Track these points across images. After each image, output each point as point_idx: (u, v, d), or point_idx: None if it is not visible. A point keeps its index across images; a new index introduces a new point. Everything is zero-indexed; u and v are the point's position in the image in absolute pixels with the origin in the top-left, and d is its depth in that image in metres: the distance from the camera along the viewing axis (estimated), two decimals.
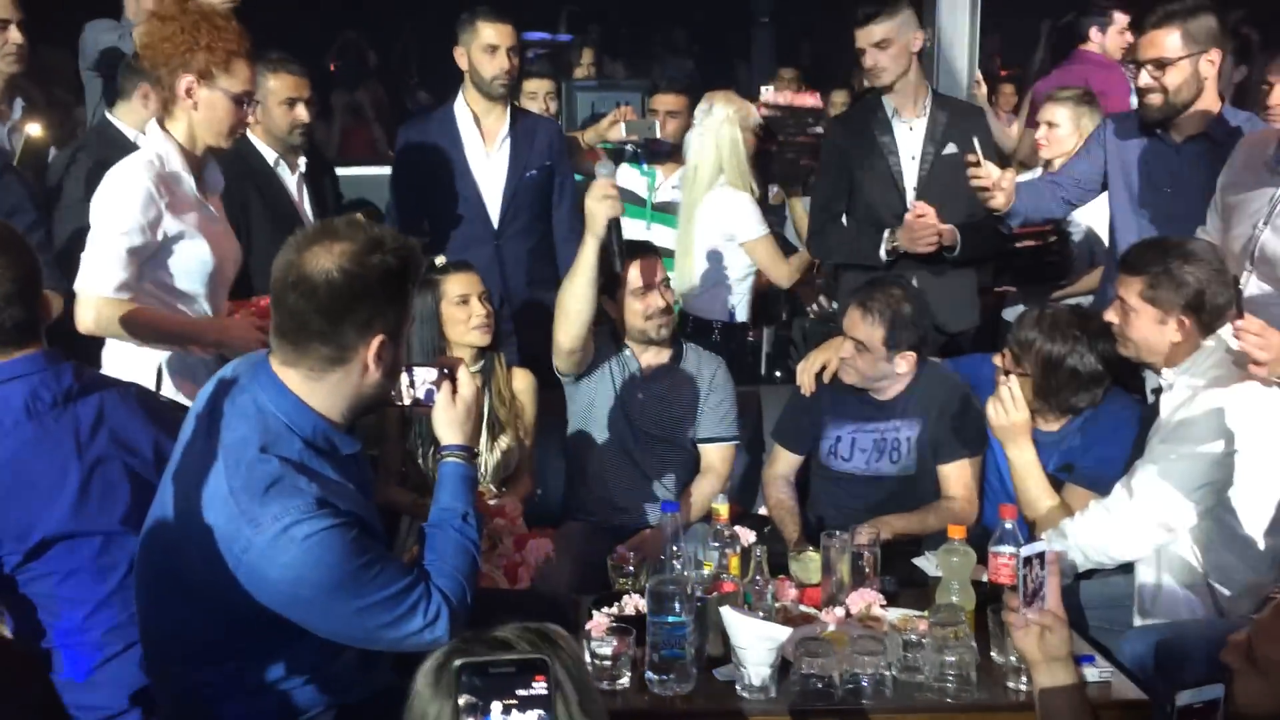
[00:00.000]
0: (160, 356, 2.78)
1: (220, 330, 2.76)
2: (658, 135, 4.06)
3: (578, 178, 4.01)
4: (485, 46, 3.66)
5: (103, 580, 2.09)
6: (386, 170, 5.15)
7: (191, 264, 2.77)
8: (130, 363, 2.75)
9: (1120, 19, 5.15)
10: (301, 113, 3.55)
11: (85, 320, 2.63)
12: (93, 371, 2.32)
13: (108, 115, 3.67)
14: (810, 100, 4.32)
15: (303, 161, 3.65)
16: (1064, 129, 4.18)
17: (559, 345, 3.09)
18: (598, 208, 2.91)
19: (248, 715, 1.95)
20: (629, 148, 4.31)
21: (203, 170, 2.84)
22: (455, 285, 3.05)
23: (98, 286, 2.61)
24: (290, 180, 3.62)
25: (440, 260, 3.16)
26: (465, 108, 3.79)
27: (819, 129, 4.20)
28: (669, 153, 4.13)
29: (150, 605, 1.95)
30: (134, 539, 2.05)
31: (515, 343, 3.64)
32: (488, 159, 3.78)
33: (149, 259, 2.69)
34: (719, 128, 3.88)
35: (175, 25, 2.73)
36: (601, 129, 4.27)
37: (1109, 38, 5.18)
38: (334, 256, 1.82)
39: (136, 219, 2.63)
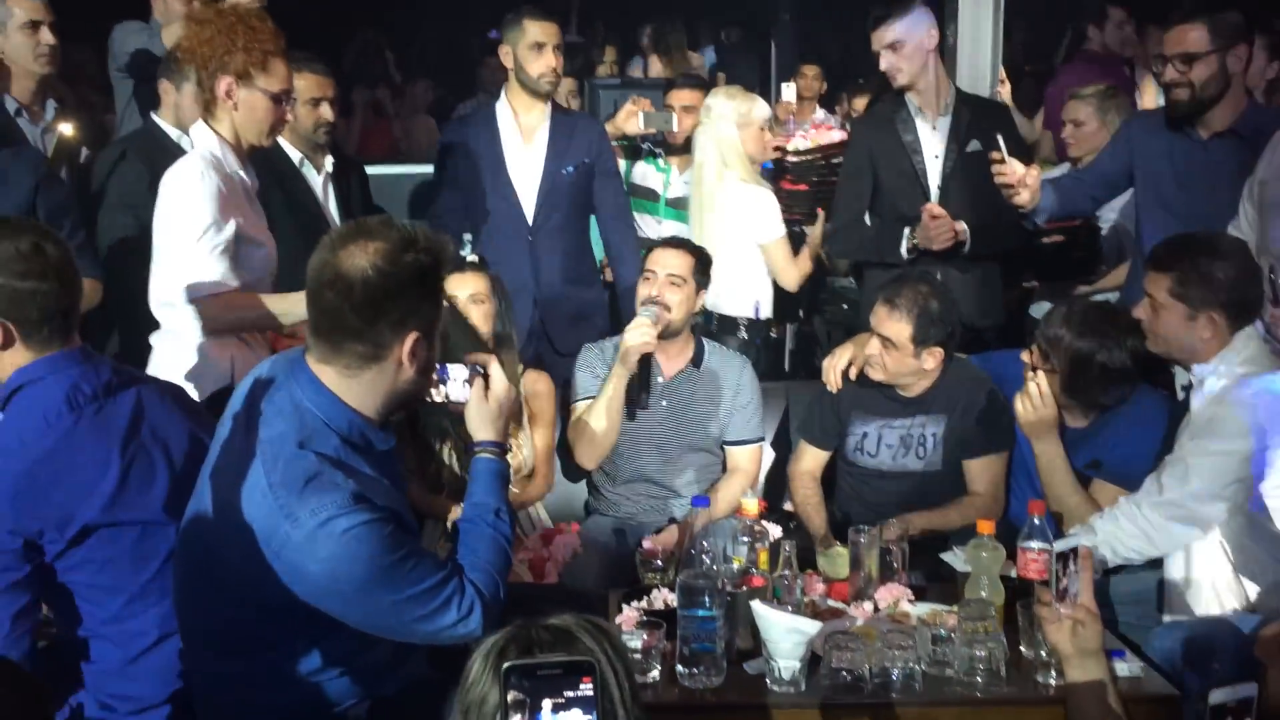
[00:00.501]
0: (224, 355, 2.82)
1: (295, 301, 2.78)
2: (675, 129, 4.08)
3: None
4: (532, 44, 3.68)
5: (141, 569, 2.12)
6: (405, 169, 5.22)
7: (256, 260, 2.82)
8: (202, 359, 2.79)
9: (1116, 13, 5.14)
10: (326, 112, 3.57)
11: (207, 323, 2.71)
12: (129, 368, 2.36)
13: (153, 117, 3.72)
14: (836, 136, 4.25)
15: (329, 161, 3.68)
16: (1090, 126, 4.16)
17: (579, 461, 3.17)
18: (633, 343, 2.98)
19: (282, 706, 1.98)
20: (645, 144, 4.34)
21: (247, 169, 2.88)
22: (462, 286, 3.04)
23: (202, 290, 2.68)
24: (316, 180, 3.65)
25: (472, 257, 3.17)
26: (506, 106, 3.82)
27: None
28: (686, 146, 4.14)
29: (187, 597, 1.98)
30: (171, 529, 2.09)
31: (544, 338, 3.64)
32: (525, 155, 3.79)
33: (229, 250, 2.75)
34: (717, 126, 3.88)
35: (212, 28, 2.77)
36: (619, 122, 4.25)
37: (1107, 33, 5.17)
38: (369, 255, 1.84)
39: (212, 215, 2.68)
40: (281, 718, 1.99)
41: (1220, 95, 3.13)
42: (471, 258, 3.19)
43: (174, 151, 3.40)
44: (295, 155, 3.60)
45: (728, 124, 3.88)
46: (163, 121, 3.67)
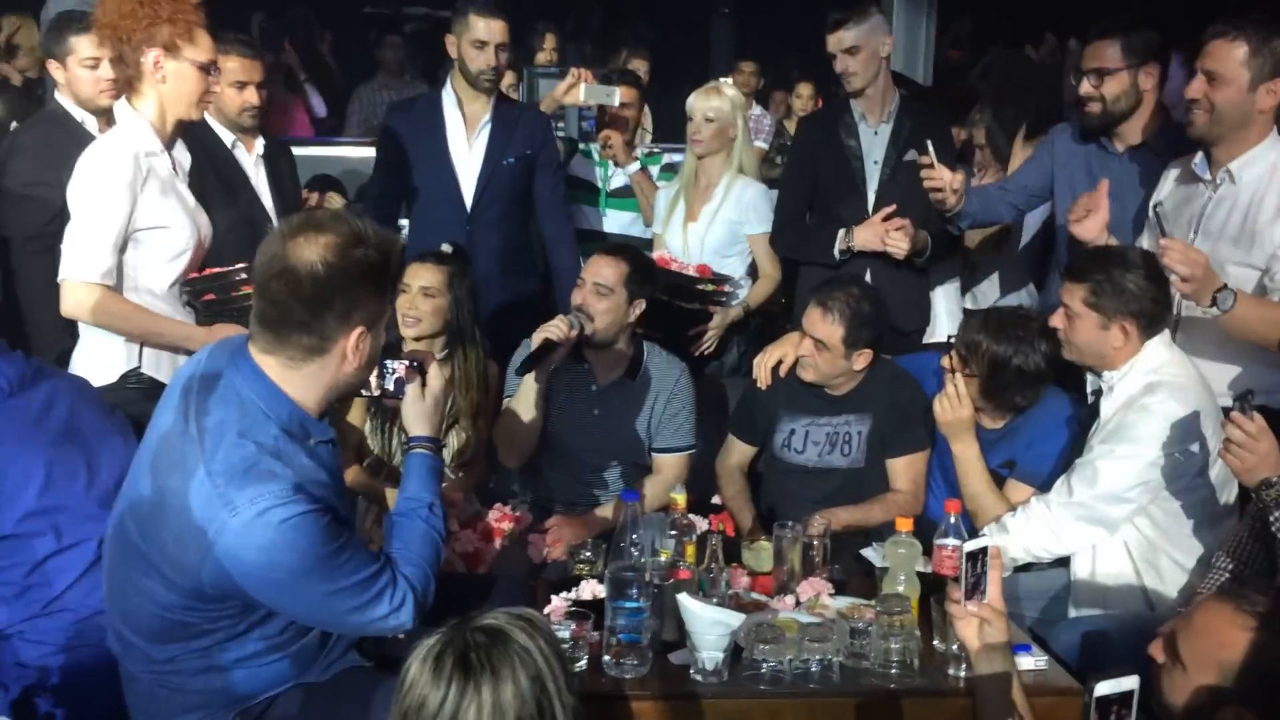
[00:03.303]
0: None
1: (207, 335, 2.78)
2: (616, 103, 4.04)
3: None
4: (475, 41, 3.67)
5: (73, 558, 2.12)
6: (321, 150, 5.14)
7: (174, 245, 2.80)
8: (108, 339, 2.78)
9: (1050, 39, 5.32)
10: (251, 95, 3.52)
11: (71, 307, 2.67)
12: (39, 360, 2.35)
13: (57, 97, 3.63)
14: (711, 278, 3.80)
15: (260, 143, 3.66)
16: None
17: (502, 460, 3.20)
18: (536, 337, 2.99)
19: (213, 691, 2.00)
20: (584, 124, 4.33)
21: (172, 148, 2.85)
22: (417, 277, 3.05)
23: (84, 273, 2.64)
24: (248, 162, 3.62)
25: (445, 247, 3.17)
26: (451, 93, 3.81)
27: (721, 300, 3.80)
28: (626, 134, 4.13)
29: (121, 583, 1.98)
30: (98, 517, 2.09)
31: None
32: (467, 144, 3.79)
33: (132, 240, 2.72)
34: (733, 118, 3.81)
35: (132, 1, 2.73)
36: (558, 94, 4.19)
37: (1041, 54, 5.36)
38: (318, 248, 1.86)
39: (120, 204, 2.65)
40: (212, 703, 2.01)
41: (1131, 110, 3.25)
42: (446, 248, 3.19)
43: (75, 132, 3.34)
44: (228, 138, 3.57)
45: (740, 116, 3.86)
46: (66, 101, 3.54)
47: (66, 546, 2.13)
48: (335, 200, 4.65)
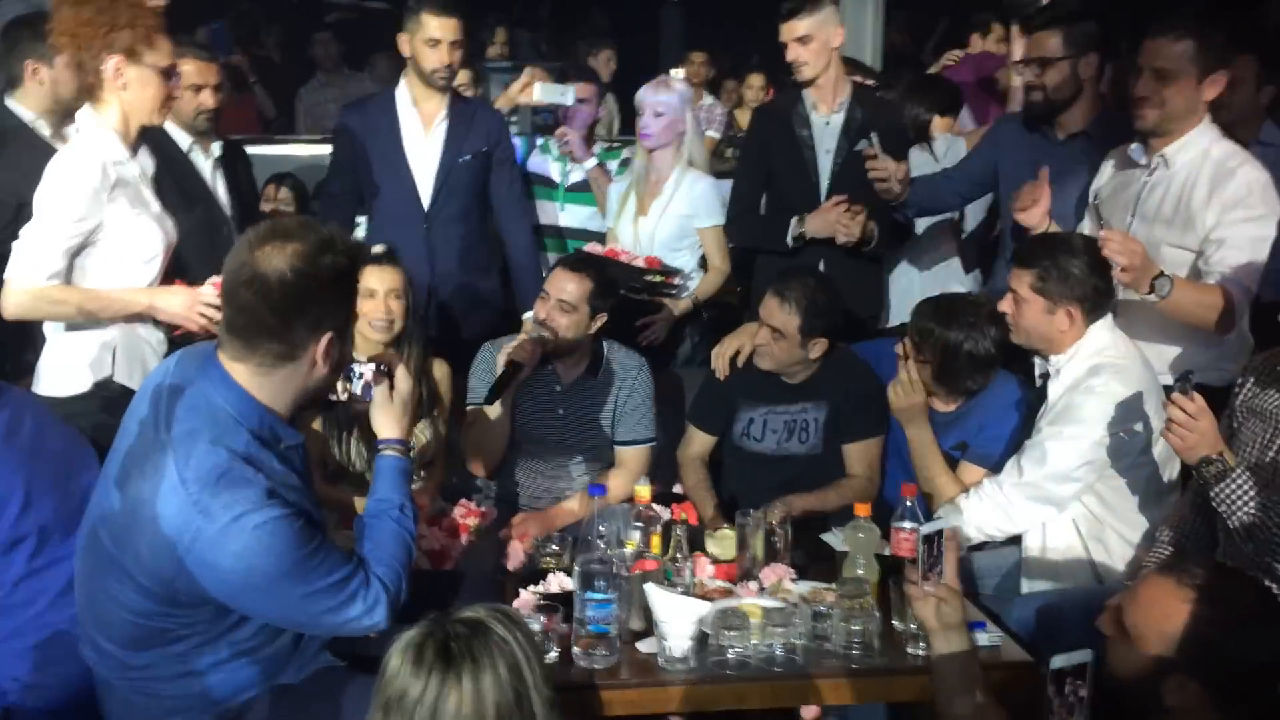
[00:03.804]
0: (110, 340, 2.82)
1: (150, 296, 2.80)
2: (571, 101, 4.06)
3: None
4: (428, 39, 3.66)
5: (52, 576, 2.13)
6: (273, 149, 5.12)
7: (144, 252, 2.81)
8: (78, 348, 2.79)
9: (996, 29, 5.43)
10: (207, 99, 3.52)
11: (10, 307, 2.65)
12: None
13: (7, 101, 3.59)
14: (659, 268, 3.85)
15: (217, 147, 3.65)
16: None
17: (470, 468, 3.22)
18: (501, 357, 3.01)
19: (188, 696, 2.02)
20: (537, 119, 4.35)
21: (136, 154, 2.86)
22: (366, 278, 3.00)
23: (30, 276, 2.64)
24: (205, 166, 3.62)
25: (378, 249, 3.18)
26: (405, 92, 3.81)
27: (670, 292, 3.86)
28: (583, 130, 4.16)
29: (95, 592, 2.00)
30: (74, 533, 2.10)
31: (438, 325, 3.67)
32: (423, 142, 3.79)
33: (96, 248, 2.72)
34: (681, 112, 3.85)
35: (90, 8, 2.72)
36: (513, 93, 4.22)
37: (988, 44, 5.46)
38: (287, 256, 1.89)
39: (78, 211, 2.66)
40: (188, 708, 2.03)
41: (1072, 99, 3.34)
42: (378, 249, 3.20)
43: (29, 136, 3.32)
44: (184, 140, 3.56)
45: (689, 110, 3.88)
46: (17, 105, 3.47)
47: (46, 565, 2.13)
48: (285, 196, 4.63)
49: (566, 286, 3.12)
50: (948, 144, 4.26)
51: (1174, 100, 2.94)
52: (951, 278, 4.13)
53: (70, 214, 2.66)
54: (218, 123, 3.67)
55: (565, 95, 4.05)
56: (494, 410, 3.12)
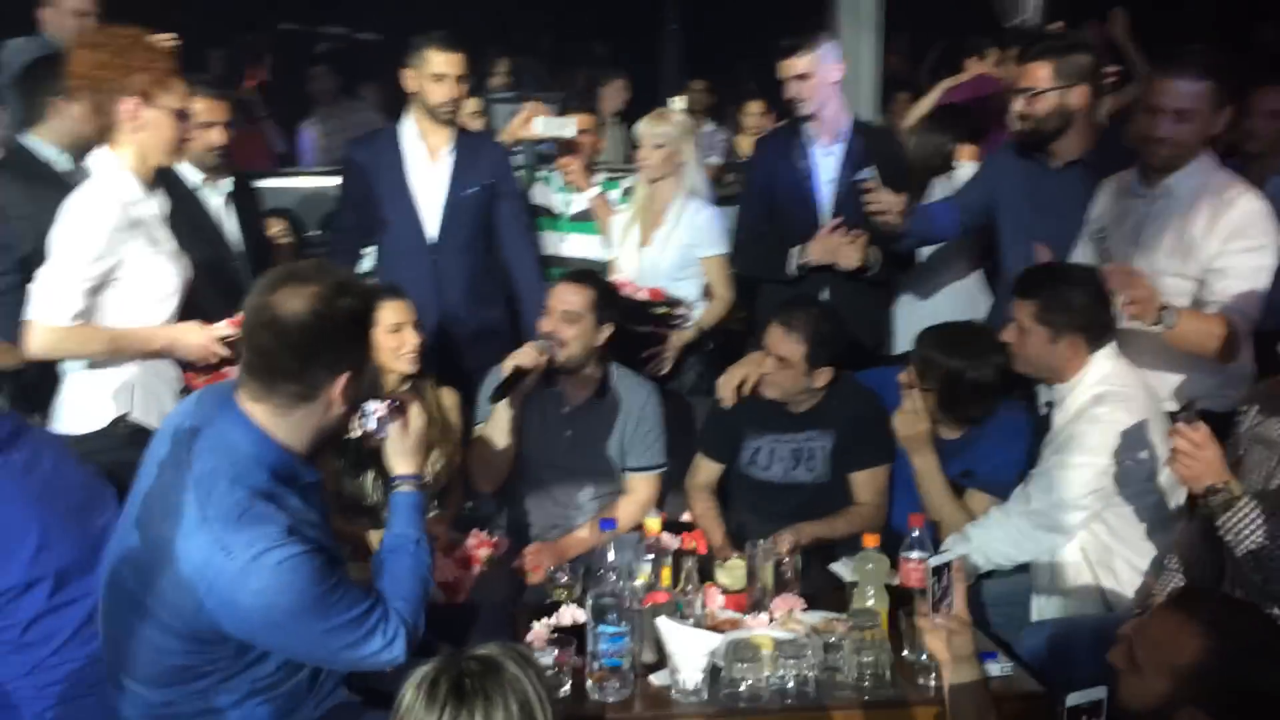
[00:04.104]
0: (130, 378, 2.85)
1: (170, 336, 2.84)
2: (573, 134, 4.07)
3: None
4: (433, 75, 3.70)
5: (69, 614, 2.15)
6: (282, 182, 5.15)
7: (162, 290, 2.85)
8: (97, 386, 2.82)
9: (993, 53, 5.48)
10: (217, 135, 3.54)
11: (35, 347, 2.70)
12: (15, 414, 2.39)
13: (21, 139, 3.62)
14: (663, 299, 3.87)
15: (227, 183, 3.68)
16: None
17: (475, 486, 3.26)
18: (507, 364, 3.06)
19: None
20: (538, 149, 4.38)
21: (153, 194, 2.90)
22: (389, 313, 3.05)
23: (54, 317, 2.68)
24: (214, 202, 3.65)
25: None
26: (412, 125, 3.84)
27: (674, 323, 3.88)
28: (588, 160, 4.17)
29: (118, 630, 2.01)
30: (91, 570, 2.12)
31: (446, 356, 3.68)
32: (429, 175, 3.82)
33: (114, 286, 2.76)
34: (680, 142, 3.86)
35: (106, 51, 2.78)
36: (514, 129, 4.22)
37: (984, 68, 5.51)
38: (305, 299, 1.92)
39: (97, 250, 2.70)
40: None
41: (1061, 129, 3.37)
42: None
43: (50, 173, 3.36)
44: (193, 177, 3.59)
45: (688, 140, 3.91)
46: (38, 141, 3.47)
47: (63, 604, 2.15)
48: (279, 228, 4.63)
49: (570, 298, 3.17)
50: (971, 172, 4.29)
51: (1190, 140, 2.98)
52: (959, 304, 4.15)
53: (89, 253, 2.70)
54: (228, 158, 3.70)
55: (566, 128, 4.08)
56: (500, 430, 3.14)
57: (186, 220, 3.47)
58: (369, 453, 2.98)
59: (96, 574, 2.12)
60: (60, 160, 3.44)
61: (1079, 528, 2.83)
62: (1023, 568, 2.93)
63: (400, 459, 2.19)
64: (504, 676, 1.58)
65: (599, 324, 3.20)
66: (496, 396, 3.09)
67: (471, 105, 4.66)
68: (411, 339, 3.09)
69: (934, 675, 2.37)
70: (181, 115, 2.84)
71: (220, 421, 1.98)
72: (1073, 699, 1.64)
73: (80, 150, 3.36)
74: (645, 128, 3.90)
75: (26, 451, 2.18)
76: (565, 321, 3.15)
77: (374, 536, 2.95)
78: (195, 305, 3.06)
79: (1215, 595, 1.96)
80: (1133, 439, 2.77)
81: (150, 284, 2.83)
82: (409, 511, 2.17)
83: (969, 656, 2.21)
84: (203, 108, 3.47)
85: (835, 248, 3.58)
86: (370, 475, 3.09)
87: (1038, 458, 2.93)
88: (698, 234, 3.88)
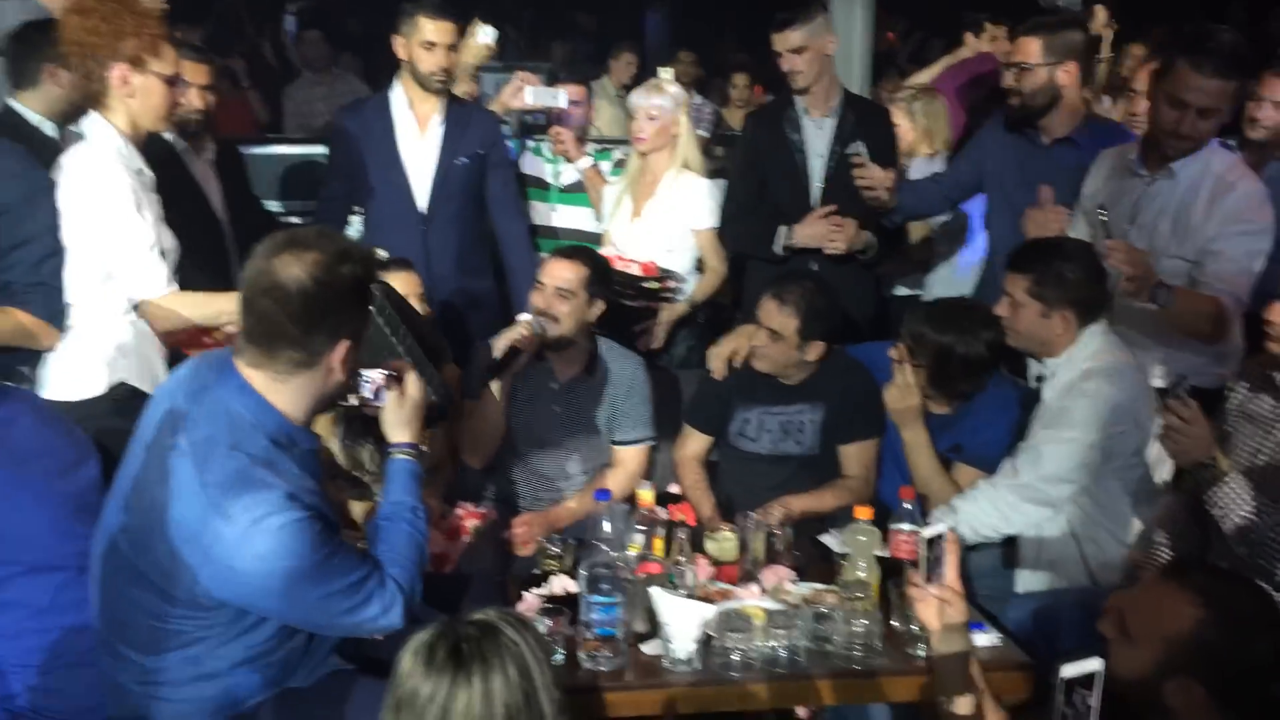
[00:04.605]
0: (125, 343, 2.85)
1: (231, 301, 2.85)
2: (564, 104, 4.05)
3: None
4: (424, 43, 3.67)
5: (47, 580, 2.14)
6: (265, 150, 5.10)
7: (167, 255, 2.83)
8: (89, 351, 2.81)
9: (991, 29, 5.49)
10: (195, 99, 3.51)
11: (162, 322, 2.82)
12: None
13: (10, 102, 3.57)
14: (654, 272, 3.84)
15: (211, 148, 3.64)
16: (903, 125, 4.37)
17: (465, 459, 3.25)
18: (501, 341, 3.06)
19: (203, 699, 2.04)
20: (527, 119, 4.35)
21: (144, 160, 2.87)
22: (397, 285, 3.03)
23: (159, 287, 2.77)
24: (197, 167, 3.61)
25: (382, 254, 3.20)
26: (401, 93, 3.81)
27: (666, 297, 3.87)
28: (578, 131, 4.15)
29: (114, 597, 2.01)
30: (71, 535, 2.11)
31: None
32: (419, 144, 3.80)
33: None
34: (675, 114, 3.84)
35: (96, 16, 2.74)
36: (505, 99, 4.21)
37: (982, 42, 5.52)
38: (306, 265, 1.91)
39: (141, 213, 2.73)
40: (198, 711, 2.04)
41: (1049, 105, 3.40)
42: (381, 254, 3.21)
43: (38, 138, 3.31)
44: (178, 143, 3.55)
45: (683, 112, 3.88)
46: (23, 107, 3.43)
47: (39, 568, 2.14)
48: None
49: (563, 274, 3.15)
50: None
51: (1209, 134, 3.01)
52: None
53: (136, 213, 2.73)
54: (211, 124, 3.66)
55: (557, 98, 4.05)
56: (491, 405, 3.14)
57: (172, 187, 3.45)
58: (366, 422, 2.98)
59: (76, 541, 2.12)
60: (44, 126, 3.39)
61: (1065, 501, 2.85)
62: (1008, 540, 2.96)
63: (397, 428, 2.18)
64: (501, 641, 1.59)
65: (591, 300, 3.19)
66: (490, 375, 3.08)
67: (469, 84, 4.59)
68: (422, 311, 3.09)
69: (923, 645, 2.39)
70: (172, 81, 2.81)
71: (218, 388, 1.97)
72: (1067, 671, 1.65)
73: (64, 118, 3.33)
74: (639, 99, 3.88)
75: (3, 412, 2.17)
76: (558, 298, 3.14)
77: (356, 507, 2.95)
78: (181, 272, 3.05)
79: (1207, 566, 1.99)
80: (1121, 414, 2.79)
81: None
82: (406, 479, 2.16)
83: (959, 626, 2.23)
84: (185, 70, 3.43)
85: (822, 235, 3.58)
86: (369, 448, 3.08)
87: (1026, 432, 2.95)
88: (691, 207, 3.87)
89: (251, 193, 4.08)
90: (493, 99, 4.40)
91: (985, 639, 2.46)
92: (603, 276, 3.25)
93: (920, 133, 4.47)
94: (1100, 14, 5.37)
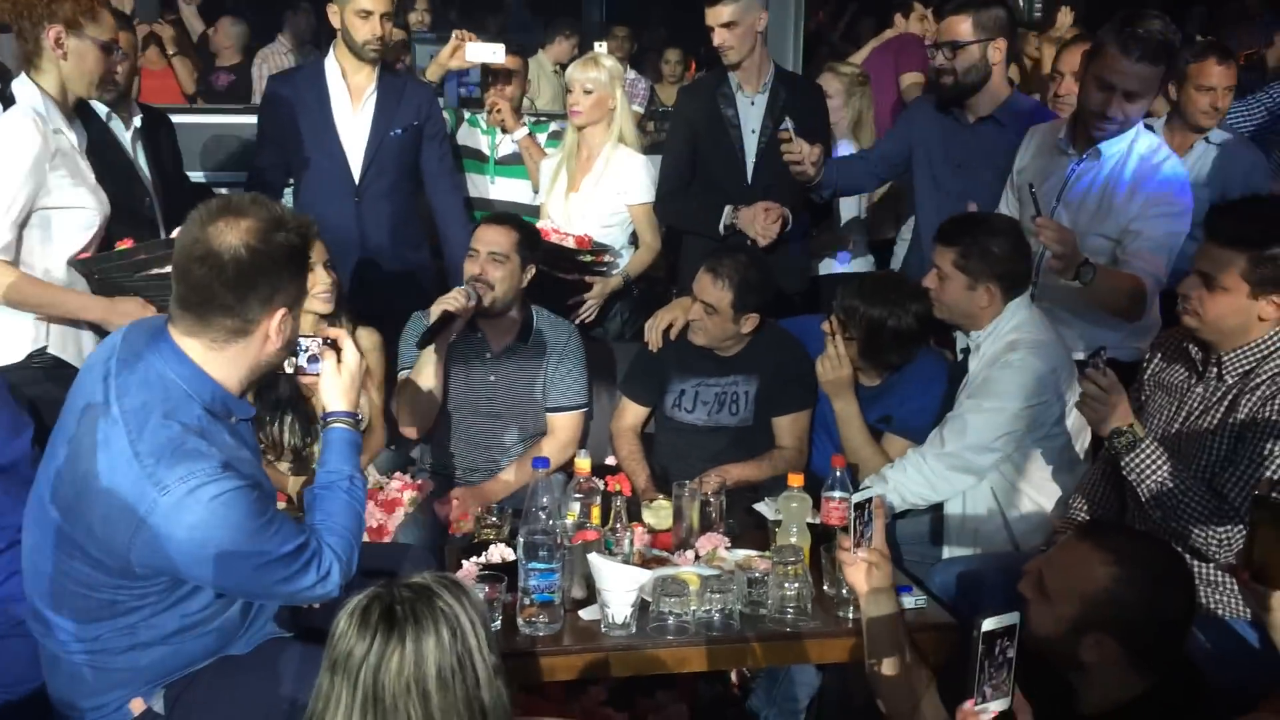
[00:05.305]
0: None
1: (107, 309, 2.77)
2: (502, 59, 4.02)
3: None
4: (359, 10, 3.62)
5: None
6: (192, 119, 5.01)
7: (82, 222, 2.77)
8: (10, 317, 2.75)
9: (918, 8, 5.57)
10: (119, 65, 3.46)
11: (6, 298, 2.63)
12: None
13: None
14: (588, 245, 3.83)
15: (138, 117, 3.58)
16: (836, 101, 4.41)
17: (403, 430, 3.23)
18: (435, 309, 3.05)
19: (138, 668, 2.03)
20: (463, 90, 4.33)
21: (72, 125, 2.81)
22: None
23: None
24: (125, 135, 3.54)
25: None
26: (335, 64, 3.77)
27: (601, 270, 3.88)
28: (514, 101, 4.15)
29: (44, 566, 1.99)
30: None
31: (368, 298, 3.65)
32: (353, 116, 3.77)
33: (37, 215, 2.68)
34: (611, 88, 3.86)
35: None
36: (443, 58, 4.16)
37: (910, 24, 5.60)
38: (241, 233, 1.90)
39: (24, 179, 2.61)
40: (136, 680, 2.04)
41: (981, 83, 3.47)
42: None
43: None
44: (102, 109, 3.48)
45: (618, 86, 3.89)
46: None
47: None
48: None
49: (495, 239, 3.18)
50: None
51: (1134, 116, 3.10)
52: None
53: (12, 183, 2.62)
54: (131, 90, 3.59)
55: (496, 54, 4.00)
56: (425, 374, 3.14)
57: (100, 153, 3.38)
58: (290, 395, 2.96)
59: (7, 514, 2.09)
60: None
61: (990, 469, 2.93)
62: (935, 507, 3.04)
63: (334, 396, 2.17)
64: (435, 604, 1.60)
65: (524, 265, 3.22)
66: (424, 342, 3.08)
67: (399, 36, 4.53)
68: (324, 278, 3.04)
69: (853, 608, 2.46)
70: (107, 48, 2.76)
71: (151, 356, 1.95)
72: (988, 624, 1.72)
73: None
74: (576, 72, 3.88)
75: None
76: (492, 263, 3.16)
77: (292, 481, 2.94)
78: (108, 240, 3.00)
79: (1120, 526, 2.07)
80: (1043, 385, 2.88)
81: (72, 216, 2.76)
82: (343, 447, 2.16)
83: (887, 589, 2.31)
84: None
85: (759, 228, 3.60)
86: (288, 419, 3.05)
87: (954, 403, 3.03)
88: (627, 181, 3.88)
89: (181, 160, 4.01)
90: (431, 62, 4.35)
91: (912, 600, 2.53)
92: (533, 241, 3.29)
93: (850, 122, 4.50)
94: (1065, 16, 5.50)
